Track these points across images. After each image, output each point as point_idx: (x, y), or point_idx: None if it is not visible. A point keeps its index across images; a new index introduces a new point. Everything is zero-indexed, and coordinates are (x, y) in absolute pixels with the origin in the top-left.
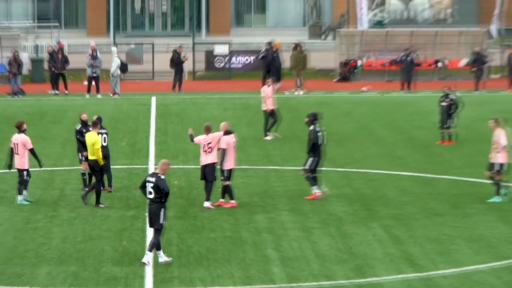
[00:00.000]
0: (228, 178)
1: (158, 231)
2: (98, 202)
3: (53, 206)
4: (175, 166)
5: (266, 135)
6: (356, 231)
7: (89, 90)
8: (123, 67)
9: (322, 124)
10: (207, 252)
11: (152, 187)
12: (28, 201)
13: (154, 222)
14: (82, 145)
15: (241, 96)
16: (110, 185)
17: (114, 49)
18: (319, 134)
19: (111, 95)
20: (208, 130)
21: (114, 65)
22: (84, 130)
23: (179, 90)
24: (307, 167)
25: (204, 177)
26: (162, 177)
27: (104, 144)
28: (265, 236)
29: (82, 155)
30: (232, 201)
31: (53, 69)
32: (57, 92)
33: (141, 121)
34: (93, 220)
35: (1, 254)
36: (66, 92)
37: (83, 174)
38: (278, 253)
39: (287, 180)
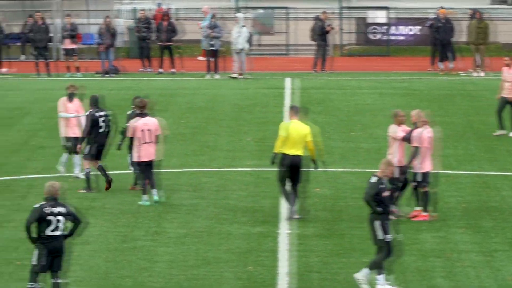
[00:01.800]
0: (426, 183)
1: (380, 248)
2: None
3: (156, 219)
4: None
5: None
6: None
7: (208, 69)
8: (249, 39)
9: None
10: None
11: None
12: (156, 201)
13: (372, 237)
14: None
15: (402, 78)
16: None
17: (240, 15)
18: None
19: (235, 75)
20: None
21: (239, 36)
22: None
23: (322, 69)
24: None
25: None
26: (373, 180)
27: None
28: (432, 261)
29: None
30: (425, 213)
31: (147, 40)
32: (161, 71)
33: (272, 110)
34: (209, 239)
35: (90, 282)
36: (174, 71)
37: None
38: (449, 282)
39: (462, 188)
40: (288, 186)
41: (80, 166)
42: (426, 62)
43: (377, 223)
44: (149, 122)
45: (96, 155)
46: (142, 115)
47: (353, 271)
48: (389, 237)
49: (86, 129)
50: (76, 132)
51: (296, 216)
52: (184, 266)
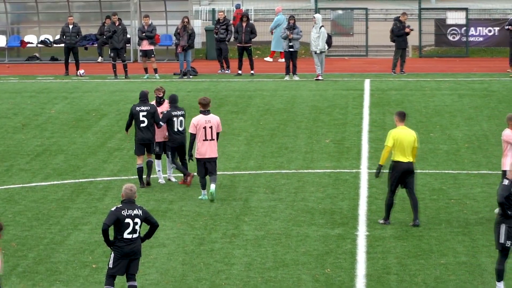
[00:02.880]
0: None
1: (500, 252)
2: None
3: (234, 221)
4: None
5: None
6: None
7: (287, 70)
8: (327, 40)
9: None
10: (435, 283)
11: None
12: (212, 193)
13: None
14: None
15: (481, 79)
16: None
17: (318, 16)
18: None
19: (320, 78)
20: None
21: (318, 37)
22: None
23: (401, 70)
24: None
25: None
26: (505, 183)
27: (180, 128)
28: None
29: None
30: None
31: (226, 41)
32: (239, 72)
33: (351, 111)
34: (287, 241)
35: (166, 285)
36: (252, 72)
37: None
38: None
39: None
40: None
41: (172, 169)
42: (505, 63)
43: (503, 227)
44: (212, 120)
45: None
46: (205, 112)
47: (431, 273)
48: (509, 244)
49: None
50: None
51: (416, 223)
52: (262, 268)
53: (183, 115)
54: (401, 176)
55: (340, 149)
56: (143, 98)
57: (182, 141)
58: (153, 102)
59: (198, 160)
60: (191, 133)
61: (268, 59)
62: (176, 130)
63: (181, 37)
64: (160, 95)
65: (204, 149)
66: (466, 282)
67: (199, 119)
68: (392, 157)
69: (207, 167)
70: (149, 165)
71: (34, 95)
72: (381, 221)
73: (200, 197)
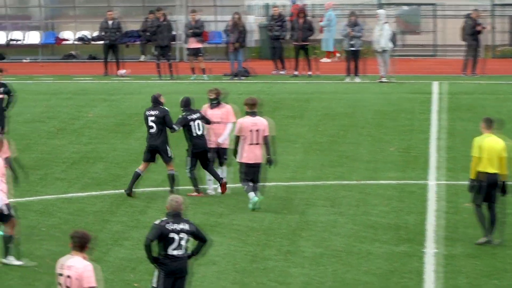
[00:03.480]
0: None
1: None
2: None
3: (290, 237)
4: (463, 182)
5: None
6: None
7: (348, 71)
8: (392, 38)
9: None
10: None
11: None
12: (255, 203)
13: None
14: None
15: None
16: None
17: (381, 12)
18: None
19: (384, 80)
20: None
21: (381, 34)
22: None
23: (473, 72)
24: None
25: None
26: None
27: (199, 132)
28: None
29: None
30: None
31: (281, 39)
32: (296, 73)
33: (418, 117)
34: (348, 258)
35: None
36: (310, 73)
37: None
38: None
39: None
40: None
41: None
42: None
43: None
44: (259, 122)
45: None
46: (252, 114)
47: None
48: None
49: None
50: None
51: (497, 241)
52: None
53: (199, 118)
54: (487, 188)
55: (406, 158)
56: (154, 102)
57: (204, 146)
58: (206, 105)
59: (242, 165)
60: (236, 135)
61: (325, 60)
62: (195, 134)
63: (231, 34)
64: (212, 97)
65: (250, 153)
66: None
67: (245, 121)
68: (478, 167)
69: (252, 173)
70: (170, 177)
71: (71, 97)
72: (482, 240)
73: (250, 205)
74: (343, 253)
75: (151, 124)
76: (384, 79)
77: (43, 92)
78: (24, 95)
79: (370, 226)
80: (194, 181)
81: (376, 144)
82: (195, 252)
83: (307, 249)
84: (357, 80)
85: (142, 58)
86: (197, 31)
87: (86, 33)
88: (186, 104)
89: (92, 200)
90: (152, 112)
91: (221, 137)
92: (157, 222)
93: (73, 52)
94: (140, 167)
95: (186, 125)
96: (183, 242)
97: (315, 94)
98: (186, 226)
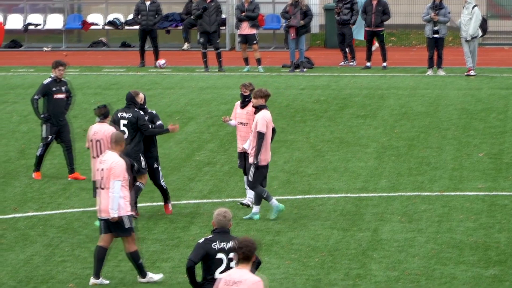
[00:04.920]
0: None
1: None
2: None
3: (359, 258)
4: None
5: None
6: None
7: (430, 63)
8: (482, 24)
9: None
10: None
11: None
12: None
13: None
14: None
15: None
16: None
17: None
18: None
19: (472, 73)
20: None
21: (470, 19)
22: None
23: None
24: None
25: None
26: None
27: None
28: None
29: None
30: None
31: (350, 24)
32: (368, 64)
33: None
34: (428, 284)
35: None
36: (384, 65)
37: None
38: None
39: None
40: None
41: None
42: None
43: None
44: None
45: None
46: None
47: None
48: None
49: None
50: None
51: None
52: None
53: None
54: None
55: (497, 165)
56: (128, 102)
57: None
58: (238, 102)
59: (263, 168)
60: (260, 132)
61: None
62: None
63: (292, 16)
64: (246, 93)
65: (268, 154)
66: None
67: (269, 116)
68: None
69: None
70: (135, 188)
71: (100, 92)
72: None
73: (275, 214)
74: (422, 277)
75: (123, 128)
76: (472, 72)
77: None
78: None
79: (454, 245)
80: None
81: (462, 149)
82: None
83: (380, 273)
84: (441, 73)
85: (185, 46)
86: (251, 14)
87: (119, 16)
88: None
89: None
90: (125, 115)
91: (247, 142)
92: (201, 240)
93: (102, 39)
94: (141, 180)
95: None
96: (232, 264)
97: (390, 90)
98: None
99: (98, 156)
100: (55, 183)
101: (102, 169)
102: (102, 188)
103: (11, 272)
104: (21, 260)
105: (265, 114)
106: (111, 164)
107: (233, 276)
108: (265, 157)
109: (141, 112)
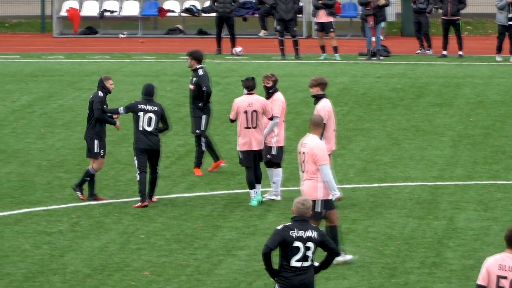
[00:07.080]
0: None
1: None
2: None
3: (435, 246)
4: None
5: None
6: None
7: (499, 49)
8: None
9: None
10: None
11: None
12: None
13: None
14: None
15: None
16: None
17: None
18: None
19: None
20: None
21: None
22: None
23: None
24: None
25: None
26: None
27: (149, 129)
28: None
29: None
30: None
31: (426, 13)
32: (444, 53)
33: None
34: None
35: None
36: (461, 53)
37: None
38: None
39: None
40: None
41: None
42: None
43: None
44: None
45: None
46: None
47: None
48: None
49: None
50: (268, 141)
51: None
52: None
53: (154, 112)
54: None
55: None
56: (98, 85)
57: (150, 145)
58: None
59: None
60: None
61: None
62: (141, 128)
63: (367, 6)
64: (269, 85)
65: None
66: None
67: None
68: None
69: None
70: (85, 172)
71: (176, 79)
72: None
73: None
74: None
75: (88, 111)
76: None
77: (143, 73)
78: (120, 76)
79: None
80: (141, 185)
81: None
82: (323, 264)
83: (455, 261)
84: None
85: (262, 33)
86: (328, 2)
87: (195, 3)
88: (148, 93)
89: (200, 201)
90: (91, 98)
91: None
92: (279, 227)
93: (179, 26)
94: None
95: (134, 114)
96: (309, 253)
97: (466, 79)
98: (314, 234)
99: (252, 127)
100: (130, 170)
101: (303, 152)
102: (303, 172)
103: (86, 259)
104: (96, 248)
105: (325, 104)
106: (313, 149)
107: (507, 262)
108: (329, 145)
109: (100, 95)
